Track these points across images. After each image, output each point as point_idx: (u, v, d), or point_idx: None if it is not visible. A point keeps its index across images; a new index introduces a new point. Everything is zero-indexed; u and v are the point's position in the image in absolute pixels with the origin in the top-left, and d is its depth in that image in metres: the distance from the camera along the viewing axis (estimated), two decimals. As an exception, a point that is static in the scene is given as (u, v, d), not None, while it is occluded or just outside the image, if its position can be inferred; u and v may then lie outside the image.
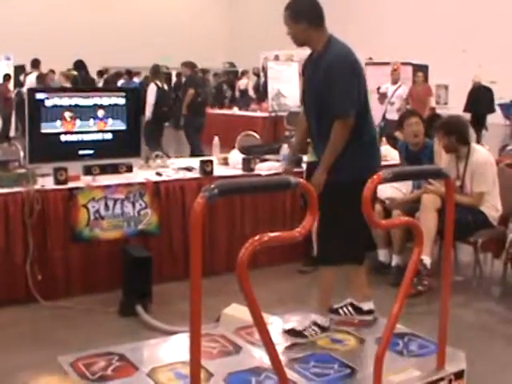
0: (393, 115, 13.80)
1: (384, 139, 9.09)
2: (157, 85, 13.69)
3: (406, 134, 7.33)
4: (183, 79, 17.03)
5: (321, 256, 4.95)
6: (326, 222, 4.66)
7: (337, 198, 4.58)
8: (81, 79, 16.64)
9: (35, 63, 18.58)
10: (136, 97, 7.29)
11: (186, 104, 14.11)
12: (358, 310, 4.86)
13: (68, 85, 15.47)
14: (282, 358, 3.42)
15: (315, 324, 4.64)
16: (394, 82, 15.23)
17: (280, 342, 4.38)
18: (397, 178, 3.74)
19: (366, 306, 4.87)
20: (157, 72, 14.42)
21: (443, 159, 6.91)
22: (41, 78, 17.19)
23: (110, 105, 6.83)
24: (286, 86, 17.64)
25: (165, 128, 14.67)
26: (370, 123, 4.93)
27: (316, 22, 4.76)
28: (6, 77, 19.68)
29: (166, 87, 14.49)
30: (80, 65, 18.31)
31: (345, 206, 4.49)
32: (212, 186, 2.96)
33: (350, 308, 4.89)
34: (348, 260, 4.75)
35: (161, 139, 14.07)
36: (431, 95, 16.22)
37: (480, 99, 17.56)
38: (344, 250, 4.64)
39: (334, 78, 4.58)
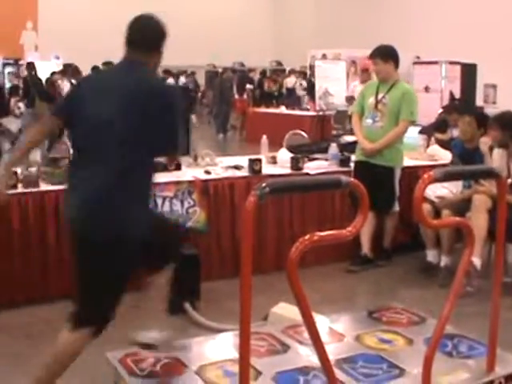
0: None
1: (433, 139, 9.03)
2: (71, 82, 15.91)
3: (459, 130, 7.33)
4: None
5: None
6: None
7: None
8: (30, 79, 17.18)
9: None
10: (184, 95, 7.31)
11: None
12: None
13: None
14: (331, 358, 3.40)
15: None
16: (363, 81, 13.41)
17: (328, 341, 4.37)
18: (448, 177, 3.72)
19: None
20: (75, 71, 17.12)
21: (494, 159, 6.83)
22: None
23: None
24: (334, 85, 17.59)
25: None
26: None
27: None
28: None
29: None
30: (29, 66, 18.85)
31: None
32: (263, 184, 2.96)
33: None
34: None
35: None
36: None
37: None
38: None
39: None
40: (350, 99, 13.91)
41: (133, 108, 3.86)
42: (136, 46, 4.08)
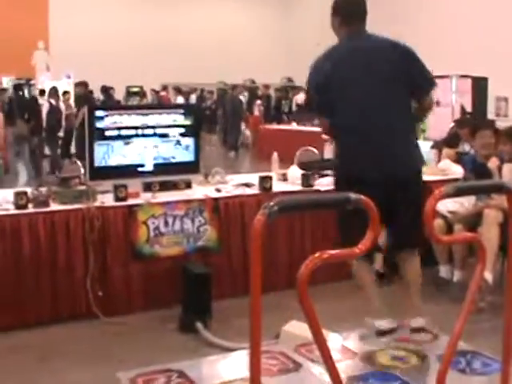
0: None
1: (444, 153, 8.98)
2: (50, 102, 16.86)
3: (477, 144, 7.28)
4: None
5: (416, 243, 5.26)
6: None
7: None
8: (16, 99, 17.51)
9: None
10: (194, 113, 7.30)
11: (79, 121, 15.60)
12: None
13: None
14: (342, 376, 3.37)
15: None
16: None
17: (340, 359, 4.34)
18: (459, 193, 3.67)
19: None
20: (53, 93, 17.68)
21: (505, 174, 6.79)
22: None
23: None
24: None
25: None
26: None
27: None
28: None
29: (61, 104, 17.97)
30: (16, 87, 19.08)
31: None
32: (272, 203, 2.94)
33: None
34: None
35: (56, 144, 17.41)
36: None
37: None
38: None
39: None
40: None
41: None
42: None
